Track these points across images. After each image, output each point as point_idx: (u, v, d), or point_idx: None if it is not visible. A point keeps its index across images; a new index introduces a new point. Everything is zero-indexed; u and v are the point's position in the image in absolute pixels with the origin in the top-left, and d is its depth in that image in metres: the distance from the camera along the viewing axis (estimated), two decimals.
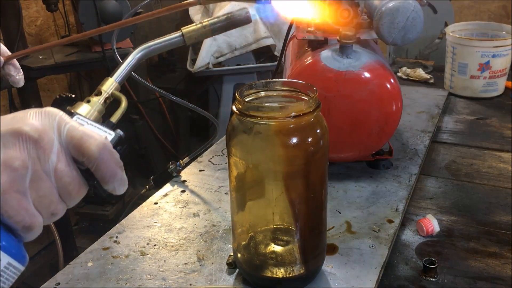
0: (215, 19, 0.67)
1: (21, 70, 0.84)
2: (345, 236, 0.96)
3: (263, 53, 2.72)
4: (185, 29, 0.66)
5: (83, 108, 0.57)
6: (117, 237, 0.99)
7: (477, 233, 1.00)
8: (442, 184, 1.17)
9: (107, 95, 0.59)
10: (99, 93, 0.59)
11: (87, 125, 0.54)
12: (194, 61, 2.65)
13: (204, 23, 0.67)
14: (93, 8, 2.16)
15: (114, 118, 0.58)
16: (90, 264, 0.91)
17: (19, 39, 2.16)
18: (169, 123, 3.12)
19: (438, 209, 1.07)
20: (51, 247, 2.50)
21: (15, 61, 0.83)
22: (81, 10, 2.18)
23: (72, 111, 0.56)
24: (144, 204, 1.10)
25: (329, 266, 0.88)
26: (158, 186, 1.20)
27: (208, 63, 2.60)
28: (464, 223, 1.03)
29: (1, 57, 0.80)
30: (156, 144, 3.01)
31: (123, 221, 1.04)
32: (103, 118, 0.59)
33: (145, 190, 1.30)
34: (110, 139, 0.54)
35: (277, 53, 2.67)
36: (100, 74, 3.00)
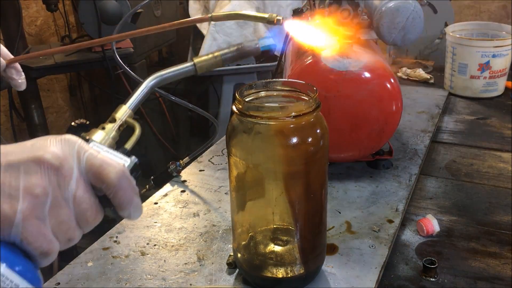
0: (226, 50, 0.70)
1: (23, 74, 0.85)
2: (345, 236, 0.96)
3: (263, 53, 2.71)
4: (197, 59, 0.69)
5: (98, 135, 0.58)
6: (117, 237, 0.99)
7: (477, 233, 1.00)
8: (442, 184, 1.17)
9: (121, 122, 0.61)
10: (113, 120, 0.60)
11: (103, 152, 0.55)
12: None
13: (215, 54, 0.70)
14: (93, 8, 2.16)
15: (129, 145, 0.59)
16: (90, 264, 0.91)
17: (19, 39, 2.17)
18: (169, 123, 3.12)
19: (438, 209, 1.07)
20: None
21: (17, 64, 0.83)
22: (81, 10, 2.18)
23: (88, 137, 0.57)
24: (144, 204, 1.10)
25: (329, 266, 0.88)
26: (158, 186, 1.20)
27: None
28: (464, 223, 1.03)
29: (3, 60, 0.81)
30: (156, 144, 3.01)
31: (123, 221, 1.04)
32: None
33: (145, 190, 1.30)
34: (126, 166, 0.55)
35: (277, 53, 2.67)
36: (100, 74, 3.00)
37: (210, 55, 0.69)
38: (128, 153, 0.58)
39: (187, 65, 0.68)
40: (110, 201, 0.53)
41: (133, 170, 0.57)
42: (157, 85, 0.67)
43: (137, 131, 0.61)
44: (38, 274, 0.51)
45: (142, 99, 0.64)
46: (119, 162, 0.55)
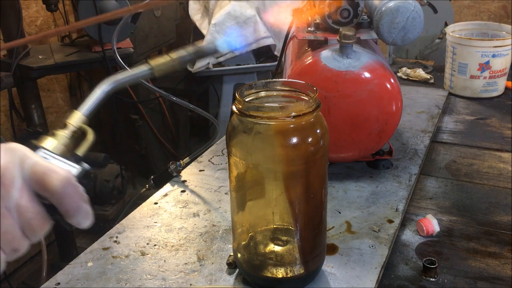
0: (184, 53, 0.68)
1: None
2: (345, 236, 0.96)
3: (263, 53, 2.72)
4: (154, 62, 0.67)
5: (49, 143, 0.56)
6: (117, 237, 0.99)
7: (477, 233, 1.00)
8: (442, 184, 1.17)
9: (74, 129, 0.59)
10: (64, 127, 0.59)
11: (52, 159, 0.54)
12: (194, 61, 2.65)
13: (173, 57, 0.68)
14: (93, 8, 2.16)
15: (80, 151, 0.58)
16: (90, 264, 0.91)
17: (19, 39, 2.16)
18: (169, 123, 3.12)
19: (438, 209, 1.07)
20: (51, 247, 2.50)
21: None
22: (81, 10, 2.18)
23: (38, 145, 0.55)
24: (144, 204, 1.10)
25: (329, 266, 0.88)
26: (158, 186, 1.20)
27: (208, 63, 2.60)
28: (464, 223, 1.03)
29: None
30: (156, 144, 3.01)
31: (123, 221, 1.04)
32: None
33: (145, 190, 1.30)
34: (74, 173, 0.54)
35: (277, 53, 2.67)
36: (100, 74, 3.00)
37: (168, 58, 0.67)
38: (80, 160, 0.56)
39: (144, 69, 0.66)
40: (57, 209, 0.52)
41: (84, 177, 0.55)
42: (112, 90, 0.64)
43: (90, 136, 0.59)
44: None
45: (96, 105, 0.62)
46: (66, 169, 0.53)
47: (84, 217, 0.53)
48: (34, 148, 0.54)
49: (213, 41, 0.71)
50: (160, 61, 0.67)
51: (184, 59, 0.68)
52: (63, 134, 0.58)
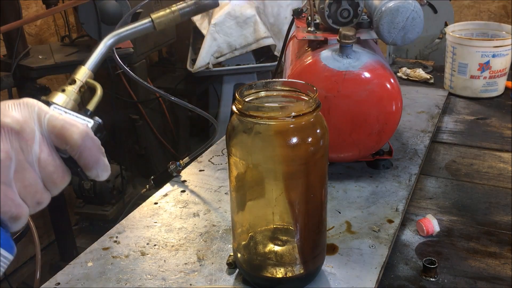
0: (184, 4, 0.68)
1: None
2: (345, 236, 0.96)
3: (263, 53, 2.72)
4: (154, 14, 0.67)
5: (59, 98, 0.57)
6: (117, 237, 0.99)
7: (477, 233, 1.00)
8: (442, 184, 1.17)
9: (81, 84, 0.59)
10: (73, 82, 0.59)
11: (65, 114, 0.54)
12: (194, 61, 2.65)
13: (173, 8, 0.68)
14: (93, 8, 2.16)
15: (91, 106, 0.58)
16: (90, 264, 0.91)
17: (19, 39, 2.16)
18: (169, 123, 3.12)
19: (438, 209, 1.07)
20: (51, 247, 2.50)
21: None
22: (81, 10, 2.18)
23: (49, 100, 0.56)
24: (144, 204, 1.10)
25: (329, 266, 0.88)
26: (158, 186, 1.20)
27: (208, 63, 2.60)
28: (464, 223, 1.03)
29: None
30: (156, 144, 3.01)
31: (123, 221, 1.04)
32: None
33: (145, 190, 1.30)
34: (90, 127, 0.55)
35: (277, 53, 2.67)
36: (100, 74, 3.00)
37: (168, 10, 0.67)
38: (91, 114, 0.57)
39: (145, 21, 0.66)
40: (76, 162, 0.53)
41: (97, 130, 0.56)
42: (115, 44, 0.64)
43: (99, 91, 0.60)
44: (11, 240, 0.51)
45: (100, 59, 0.62)
46: (82, 123, 0.54)
47: (103, 169, 0.55)
48: (46, 103, 0.54)
49: None
50: (161, 14, 0.67)
51: (184, 12, 0.68)
52: (72, 89, 0.58)
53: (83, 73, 0.60)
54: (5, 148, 0.48)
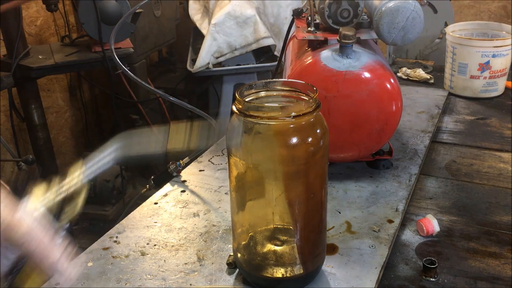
0: None
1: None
2: (345, 236, 0.96)
3: (263, 53, 2.72)
4: None
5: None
6: (117, 237, 0.99)
7: (477, 233, 1.00)
8: (442, 184, 1.17)
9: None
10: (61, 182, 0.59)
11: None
12: (194, 61, 2.64)
13: None
14: (93, 8, 2.16)
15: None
16: (90, 264, 0.91)
17: (19, 39, 2.16)
18: (169, 123, 3.12)
19: (438, 209, 1.07)
20: None
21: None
22: (81, 10, 2.18)
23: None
24: (144, 204, 1.10)
25: (329, 266, 0.88)
26: (158, 186, 1.20)
27: (208, 63, 2.60)
28: (464, 223, 1.03)
29: None
30: None
31: (123, 221, 1.04)
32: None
33: (145, 190, 1.30)
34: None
35: (277, 53, 2.67)
36: (100, 74, 3.00)
37: None
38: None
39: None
40: None
41: None
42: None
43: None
44: None
45: None
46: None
47: None
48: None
49: None
50: None
51: None
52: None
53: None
54: None
